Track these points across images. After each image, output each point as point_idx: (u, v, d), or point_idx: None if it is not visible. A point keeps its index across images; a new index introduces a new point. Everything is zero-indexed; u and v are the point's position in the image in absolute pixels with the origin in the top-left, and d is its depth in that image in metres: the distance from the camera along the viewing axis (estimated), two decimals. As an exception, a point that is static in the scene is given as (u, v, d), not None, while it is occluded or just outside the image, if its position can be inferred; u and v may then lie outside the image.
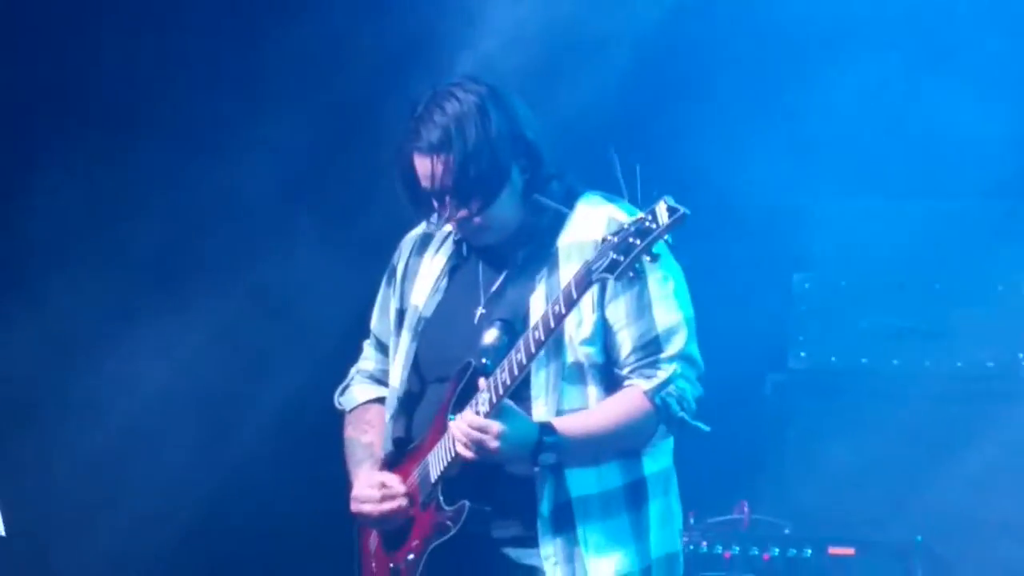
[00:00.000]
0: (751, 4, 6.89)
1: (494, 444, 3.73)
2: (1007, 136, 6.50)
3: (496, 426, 3.72)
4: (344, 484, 4.22)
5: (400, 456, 4.12)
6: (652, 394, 3.84)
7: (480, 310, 4.06)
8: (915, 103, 6.79)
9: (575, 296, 3.70)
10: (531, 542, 3.92)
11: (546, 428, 3.78)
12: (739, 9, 6.90)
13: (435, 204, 4.02)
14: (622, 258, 3.58)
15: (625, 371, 3.91)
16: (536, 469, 3.89)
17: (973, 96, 6.59)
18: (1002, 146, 6.49)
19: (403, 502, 4.04)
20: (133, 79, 6.99)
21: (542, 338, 3.72)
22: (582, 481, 3.98)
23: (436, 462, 3.97)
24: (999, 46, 6.81)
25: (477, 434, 3.72)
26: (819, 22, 6.75)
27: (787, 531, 5.79)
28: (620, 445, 3.97)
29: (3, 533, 4.85)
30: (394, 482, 4.06)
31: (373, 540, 4.18)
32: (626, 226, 3.64)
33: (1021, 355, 6.02)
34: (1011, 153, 6.49)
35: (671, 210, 3.52)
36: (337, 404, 4.39)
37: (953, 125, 6.54)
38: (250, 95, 6.94)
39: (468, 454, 3.80)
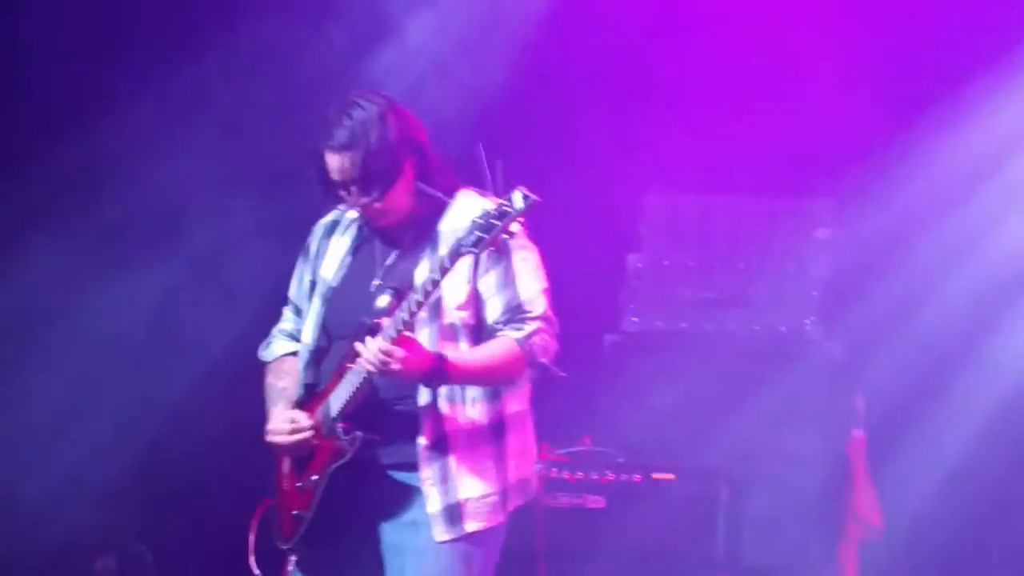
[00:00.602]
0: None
1: (397, 366, 3.80)
2: (803, 143, 6.44)
3: (399, 351, 3.79)
4: (264, 420, 4.24)
5: (308, 398, 4.19)
6: (521, 342, 3.95)
7: (376, 281, 4.13)
8: (729, 115, 6.64)
9: (448, 266, 3.81)
10: (412, 467, 4.01)
11: (440, 358, 3.88)
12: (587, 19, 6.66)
13: (343, 193, 4.12)
14: (485, 235, 3.73)
15: (497, 327, 4.03)
16: (420, 405, 4.00)
17: (767, 110, 6.57)
18: (796, 152, 6.47)
19: (308, 434, 4.09)
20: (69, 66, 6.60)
21: (422, 300, 3.84)
22: (455, 418, 4.07)
23: (337, 401, 4.05)
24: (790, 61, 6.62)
25: (384, 356, 3.80)
26: (650, 31, 6.64)
27: (620, 460, 5.79)
28: (494, 380, 4.09)
29: None
30: (302, 418, 4.10)
31: (286, 464, 4.22)
32: (489, 210, 3.78)
33: (806, 322, 6.01)
34: (804, 158, 6.48)
35: (525, 198, 3.67)
36: (260, 356, 4.44)
37: (759, 134, 6.46)
38: (198, 91, 6.50)
39: (376, 375, 3.87)
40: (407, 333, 3.89)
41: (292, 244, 4.57)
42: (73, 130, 6.58)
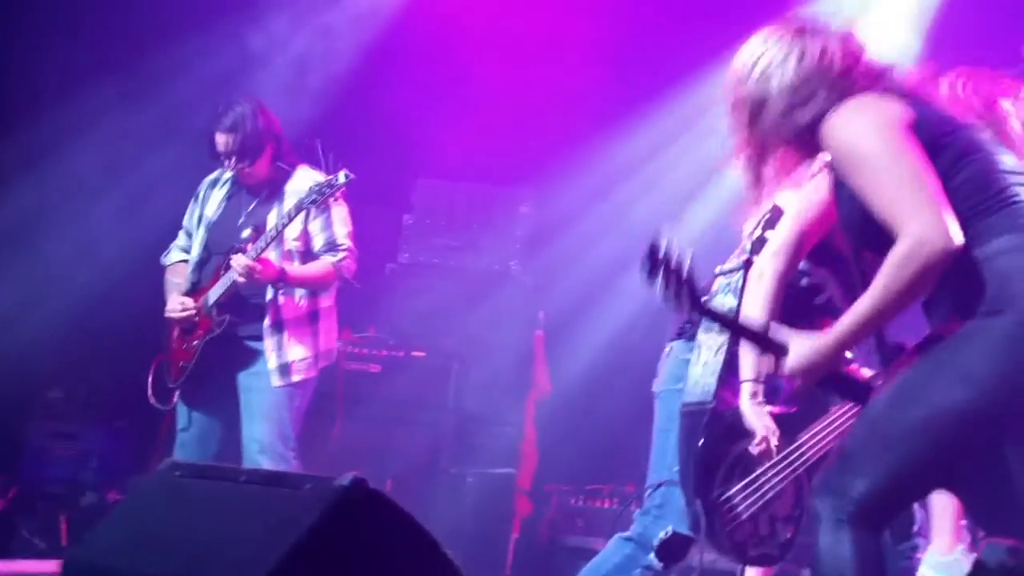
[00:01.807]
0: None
1: (257, 275, 4.04)
2: (515, 146, 6.30)
3: (259, 266, 4.03)
4: (162, 302, 4.43)
5: (194, 290, 4.34)
6: (335, 264, 4.26)
7: (241, 220, 4.35)
8: (468, 126, 6.33)
9: (293, 215, 4.13)
10: (259, 339, 4.25)
11: (282, 270, 4.13)
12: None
13: (224, 160, 4.30)
14: (319, 197, 4.05)
15: (320, 253, 4.29)
16: (267, 299, 4.21)
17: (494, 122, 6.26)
18: (508, 151, 6.30)
19: (192, 313, 4.26)
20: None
21: (274, 235, 4.10)
22: (289, 308, 4.25)
23: (213, 294, 4.22)
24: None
25: (250, 268, 4.03)
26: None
27: (391, 342, 5.77)
28: (315, 286, 4.30)
29: None
30: (189, 303, 4.30)
31: (176, 331, 4.36)
32: (323, 181, 4.13)
33: (511, 263, 5.97)
34: (513, 157, 6.32)
35: (347, 176, 4.09)
36: (162, 261, 4.57)
37: (489, 139, 6.28)
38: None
39: (242, 279, 4.04)
40: (263, 255, 4.10)
41: (179, 188, 4.71)
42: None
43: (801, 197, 2.80)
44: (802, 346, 2.32)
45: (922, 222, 2.14)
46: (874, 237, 2.24)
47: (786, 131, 2.35)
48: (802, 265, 2.83)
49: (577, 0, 6.24)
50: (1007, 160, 2.35)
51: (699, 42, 5.60)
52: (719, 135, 2.56)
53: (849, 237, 2.40)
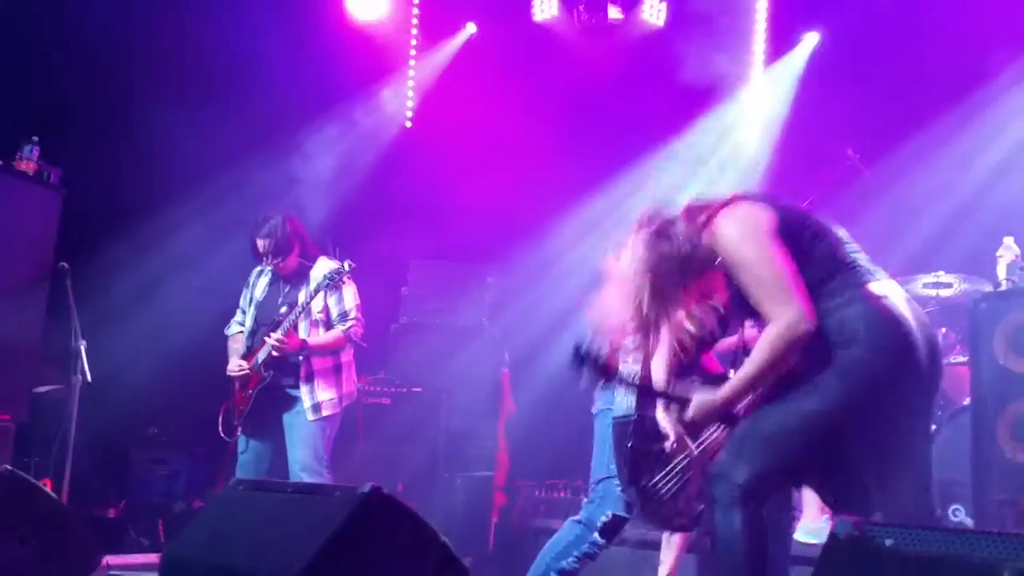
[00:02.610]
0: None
1: (285, 348, 4.06)
2: (484, 231, 6.17)
3: (285, 339, 4.04)
4: (226, 362, 4.36)
5: (247, 354, 4.25)
6: (344, 331, 4.21)
7: (280, 299, 4.29)
8: (444, 217, 6.41)
9: (313, 295, 4.10)
10: (296, 387, 4.17)
11: (304, 341, 4.11)
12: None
13: (263, 257, 4.26)
14: (332, 280, 4.06)
15: (335, 323, 4.22)
16: (300, 359, 4.17)
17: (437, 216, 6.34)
18: (479, 234, 6.21)
19: (247, 371, 4.20)
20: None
21: (301, 310, 4.07)
22: (317, 363, 4.22)
23: (261, 356, 4.16)
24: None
25: (279, 341, 4.05)
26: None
27: (397, 382, 5.62)
28: (333, 349, 4.25)
29: (90, 379, 4.62)
30: (244, 364, 4.23)
31: (236, 384, 4.28)
32: (335, 268, 4.10)
33: (483, 319, 5.86)
34: (484, 239, 6.20)
35: (351, 264, 4.11)
36: (225, 332, 4.50)
37: (465, 226, 6.27)
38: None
39: (275, 353, 4.10)
40: (291, 329, 4.10)
41: (244, 276, 4.61)
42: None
43: None
44: (701, 401, 2.31)
45: (788, 312, 2.15)
46: (752, 312, 2.27)
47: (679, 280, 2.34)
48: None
49: (526, 122, 6.11)
50: (842, 233, 2.35)
51: (621, 146, 5.68)
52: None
53: (736, 309, 2.36)
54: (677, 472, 2.58)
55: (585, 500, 3.16)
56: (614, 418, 2.83)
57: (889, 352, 2.14)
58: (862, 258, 2.29)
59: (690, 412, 2.31)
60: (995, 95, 4.90)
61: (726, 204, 2.29)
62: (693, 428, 2.37)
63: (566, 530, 3.09)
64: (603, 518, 3.01)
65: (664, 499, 2.54)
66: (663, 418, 2.57)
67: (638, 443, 2.60)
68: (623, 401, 2.78)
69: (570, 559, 3.00)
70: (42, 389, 4.92)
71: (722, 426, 2.56)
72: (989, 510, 3.33)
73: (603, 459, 3.03)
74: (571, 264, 5.95)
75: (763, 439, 2.19)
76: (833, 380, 2.15)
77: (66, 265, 4.73)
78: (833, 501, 2.38)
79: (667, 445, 2.55)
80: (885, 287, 2.23)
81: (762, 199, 2.31)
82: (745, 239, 2.22)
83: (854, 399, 2.15)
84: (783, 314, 2.13)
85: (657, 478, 2.58)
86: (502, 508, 5.40)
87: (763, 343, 2.17)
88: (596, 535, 3.01)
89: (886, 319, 2.15)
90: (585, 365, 2.37)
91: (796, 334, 2.13)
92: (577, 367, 2.37)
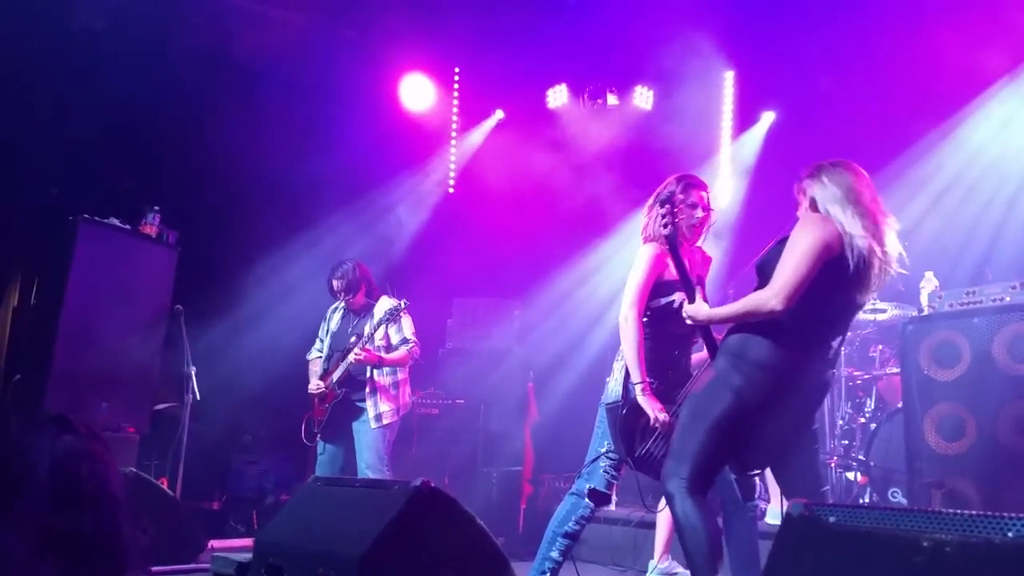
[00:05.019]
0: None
1: (365, 359, 3.96)
2: (508, 271, 6.09)
3: (363, 355, 3.95)
4: (308, 382, 4.24)
5: (324, 375, 4.15)
6: (408, 350, 4.08)
7: (350, 330, 4.16)
8: (471, 258, 6.24)
9: (376, 327, 4.02)
10: (363, 400, 4.07)
11: (380, 357, 4.00)
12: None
13: (339, 294, 4.18)
14: (393, 314, 3.98)
15: (397, 347, 4.10)
16: (367, 376, 4.04)
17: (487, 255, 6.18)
18: (506, 273, 6.10)
19: (324, 388, 4.11)
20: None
21: (366, 340, 4.00)
22: (380, 381, 4.11)
23: (336, 375, 4.08)
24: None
25: (360, 353, 3.96)
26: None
27: (443, 395, 5.48)
28: (398, 365, 4.10)
29: (198, 397, 4.71)
30: (321, 384, 4.14)
31: (315, 400, 4.18)
32: (394, 305, 4.04)
33: (512, 343, 5.64)
34: (510, 277, 6.06)
35: (406, 302, 4.04)
36: (307, 357, 4.37)
37: (490, 268, 6.17)
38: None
39: (355, 361, 3.97)
40: (366, 347, 4.01)
41: (319, 313, 4.47)
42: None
43: (634, 269, 2.76)
44: (698, 305, 2.37)
45: (781, 290, 2.14)
46: (764, 279, 2.23)
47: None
48: (665, 295, 2.77)
49: (544, 185, 6.12)
50: (854, 305, 2.33)
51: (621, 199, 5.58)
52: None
53: (760, 273, 2.31)
54: (661, 436, 2.55)
55: (577, 476, 3.06)
56: (606, 405, 2.77)
57: (774, 373, 2.19)
58: (826, 331, 2.25)
59: (686, 308, 2.37)
60: (918, 156, 4.92)
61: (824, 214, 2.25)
62: (689, 319, 2.38)
63: (564, 503, 2.99)
64: (589, 487, 2.89)
65: (659, 458, 2.48)
66: (642, 399, 2.58)
67: (627, 421, 2.59)
68: (614, 389, 2.72)
69: (570, 523, 2.89)
70: (161, 406, 4.94)
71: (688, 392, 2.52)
72: (920, 492, 3.35)
73: (596, 442, 2.91)
74: (582, 297, 5.94)
75: (695, 439, 2.20)
76: (743, 382, 2.19)
77: (180, 307, 4.80)
78: (785, 486, 2.41)
79: (649, 419, 2.56)
80: (806, 350, 2.23)
81: (855, 238, 2.21)
82: (811, 238, 2.18)
83: (749, 401, 2.18)
84: (774, 288, 2.14)
85: (648, 445, 2.57)
86: (529, 496, 5.30)
87: (747, 297, 2.20)
88: (586, 500, 2.90)
89: (784, 356, 2.18)
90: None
91: (766, 306, 2.14)
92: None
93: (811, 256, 2.14)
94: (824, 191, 2.23)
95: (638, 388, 2.62)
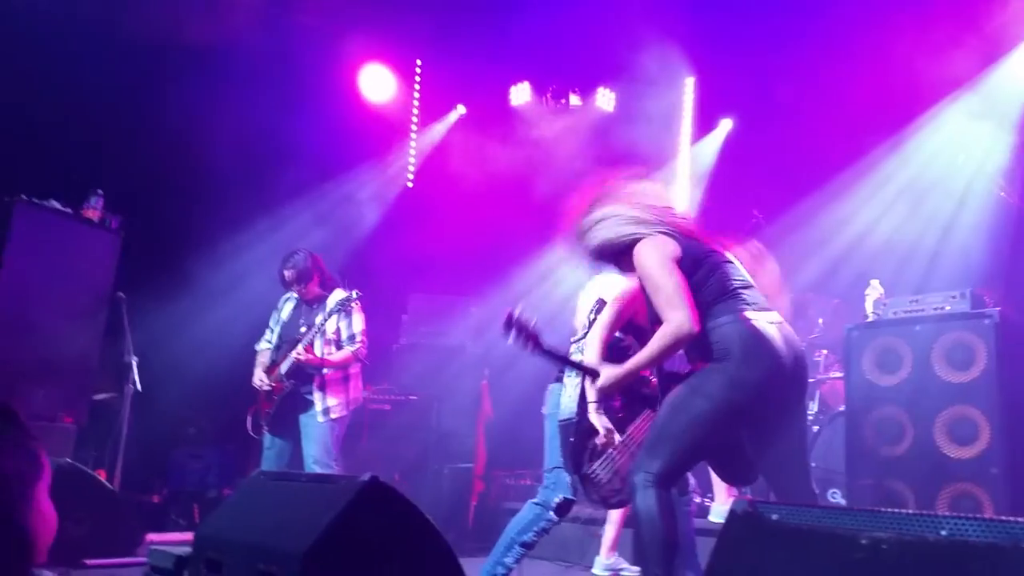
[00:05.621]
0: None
1: (305, 357, 3.90)
2: (464, 269, 6.09)
3: (307, 352, 3.89)
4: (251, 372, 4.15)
5: (272, 366, 4.08)
6: (353, 351, 4.02)
7: (301, 320, 4.09)
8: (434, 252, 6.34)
9: (327, 318, 3.95)
10: (311, 393, 3.99)
11: (322, 356, 3.90)
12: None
13: (290, 285, 4.11)
14: (344, 306, 3.91)
15: (344, 344, 4.03)
16: (315, 370, 3.98)
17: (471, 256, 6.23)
18: (464, 269, 6.10)
19: (271, 381, 4.03)
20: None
21: (317, 332, 3.93)
22: (328, 375, 4.02)
23: (284, 367, 4.00)
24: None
25: (303, 354, 3.91)
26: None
27: (395, 391, 5.47)
28: (341, 366, 4.05)
29: (139, 388, 4.60)
30: (265, 376, 4.07)
31: (261, 396, 4.11)
32: (346, 296, 3.96)
33: (467, 340, 5.72)
34: (470, 272, 6.04)
35: (358, 294, 3.94)
36: (255, 347, 4.28)
37: (452, 261, 6.27)
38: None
39: (298, 360, 3.93)
40: (309, 345, 3.95)
41: (271, 302, 4.39)
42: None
43: (615, 295, 2.79)
44: (606, 372, 2.40)
45: (678, 316, 2.21)
46: (657, 318, 2.30)
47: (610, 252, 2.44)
48: (618, 333, 2.81)
49: (503, 184, 6.07)
50: (736, 270, 2.39)
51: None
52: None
53: (649, 315, 2.39)
54: (609, 460, 2.56)
55: (540, 486, 3.09)
56: (559, 421, 2.77)
57: (757, 361, 2.20)
58: (749, 292, 2.32)
59: (600, 379, 2.39)
60: (866, 170, 5.03)
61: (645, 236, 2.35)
62: (602, 394, 2.40)
63: (526, 511, 3.01)
64: (556, 500, 2.95)
65: (602, 482, 2.50)
66: (595, 418, 2.57)
67: (578, 440, 2.60)
68: (568, 404, 2.71)
69: (530, 534, 2.94)
70: (99, 396, 4.86)
71: (641, 422, 2.56)
72: (859, 492, 3.41)
73: (553, 453, 2.97)
74: (537, 297, 5.90)
75: (668, 436, 2.23)
76: (715, 385, 2.20)
77: (122, 295, 4.70)
78: (728, 477, 2.48)
79: (599, 439, 2.55)
80: (757, 314, 2.27)
81: (674, 235, 2.35)
82: (653, 261, 2.29)
83: (732, 398, 2.19)
84: (674, 317, 2.20)
85: (595, 466, 2.56)
86: (480, 493, 5.29)
87: (658, 336, 2.24)
88: (551, 513, 2.95)
89: (754, 336, 2.21)
90: (514, 330, 2.33)
91: (681, 333, 2.20)
92: (506, 331, 2.34)
93: (669, 270, 2.25)
94: (610, 228, 2.41)
95: (592, 407, 2.61)
